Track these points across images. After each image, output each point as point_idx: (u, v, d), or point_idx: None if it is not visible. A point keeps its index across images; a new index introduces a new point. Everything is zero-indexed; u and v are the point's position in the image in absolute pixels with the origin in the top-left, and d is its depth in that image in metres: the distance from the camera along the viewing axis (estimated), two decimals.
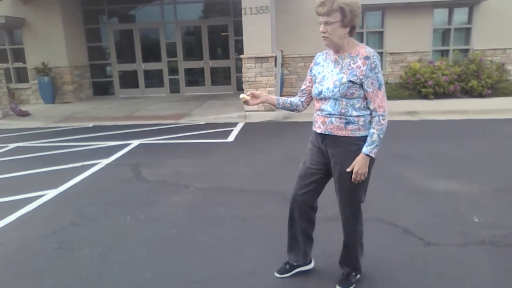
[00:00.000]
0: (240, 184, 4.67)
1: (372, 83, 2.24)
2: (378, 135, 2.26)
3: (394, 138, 6.60)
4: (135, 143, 6.84)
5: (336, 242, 2.72)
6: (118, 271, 2.90)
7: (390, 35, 11.77)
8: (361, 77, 2.23)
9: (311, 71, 2.50)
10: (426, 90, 9.89)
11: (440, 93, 9.88)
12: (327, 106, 2.33)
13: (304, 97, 2.58)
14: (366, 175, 2.34)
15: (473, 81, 9.83)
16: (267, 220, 3.62)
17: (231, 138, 7.05)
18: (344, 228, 2.53)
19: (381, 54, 11.99)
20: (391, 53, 11.86)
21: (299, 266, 2.72)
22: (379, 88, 2.25)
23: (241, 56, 9.21)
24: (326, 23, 2.21)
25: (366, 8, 11.59)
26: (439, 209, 3.72)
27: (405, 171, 4.84)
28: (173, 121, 8.74)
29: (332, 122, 2.32)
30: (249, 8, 8.82)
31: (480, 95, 9.85)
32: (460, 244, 3.06)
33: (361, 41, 11.91)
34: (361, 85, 2.25)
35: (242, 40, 9.29)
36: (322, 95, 2.34)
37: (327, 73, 2.36)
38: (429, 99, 9.86)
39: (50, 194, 4.49)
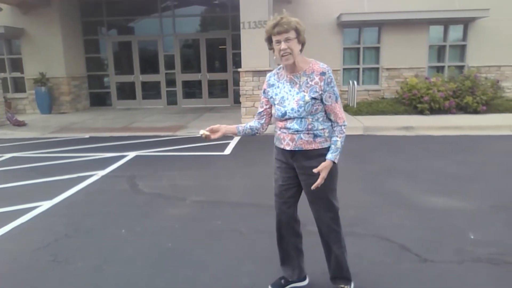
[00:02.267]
0: (237, 197, 4.66)
1: (329, 97, 2.35)
2: (341, 142, 2.40)
3: (391, 153, 6.64)
4: (131, 154, 6.83)
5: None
6: (112, 284, 2.86)
7: (387, 51, 11.91)
8: (320, 92, 2.33)
9: (265, 93, 2.54)
10: (421, 106, 9.97)
11: (436, 109, 9.97)
12: (293, 124, 2.38)
13: (264, 119, 2.62)
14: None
15: (468, 98, 9.93)
16: (264, 234, 3.60)
17: (227, 151, 7.05)
18: (328, 240, 2.55)
19: (377, 69, 12.13)
20: (387, 69, 11.98)
21: (294, 281, 2.71)
22: (336, 101, 2.38)
23: (239, 69, 9.27)
24: (287, 40, 2.27)
25: (363, 24, 11.77)
26: (435, 226, 3.72)
27: (402, 187, 4.85)
28: (170, 133, 8.74)
29: (301, 138, 2.38)
30: (248, 22, 8.92)
31: (475, 112, 9.95)
32: (457, 261, 3.05)
33: (358, 56, 12.07)
34: (321, 100, 2.35)
35: (240, 53, 9.37)
36: (287, 116, 2.39)
37: (285, 94, 2.41)
38: (425, 114, 9.93)
39: (45, 205, 4.46)
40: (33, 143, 8.19)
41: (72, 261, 3.21)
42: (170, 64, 13.38)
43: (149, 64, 13.56)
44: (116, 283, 2.88)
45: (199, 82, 13.45)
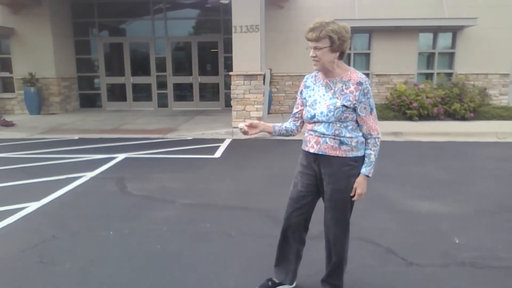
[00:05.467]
0: (226, 200, 4.67)
1: (365, 108, 2.32)
2: (375, 155, 2.39)
3: (379, 158, 6.67)
4: (121, 156, 6.80)
5: (318, 260, 2.74)
6: (100, 286, 2.85)
7: (377, 57, 12.04)
8: (354, 102, 2.29)
9: (301, 93, 2.52)
10: (410, 112, 10.10)
11: (424, 115, 10.11)
12: (320, 128, 2.36)
13: (298, 121, 2.60)
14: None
15: (456, 104, 10.09)
16: (252, 237, 3.62)
17: (218, 154, 7.06)
18: (333, 248, 2.52)
19: (367, 75, 12.23)
20: (378, 75, 12.10)
21: (281, 284, 2.72)
22: (371, 112, 2.34)
23: (230, 73, 9.30)
24: (315, 48, 2.26)
25: (354, 31, 11.80)
26: (421, 230, 3.77)
27: (389, 191, 4.90)
28: (160, 136, 8.72)
29: (326, 142, 2.34)
30: (239, 26, 8.96)
31: (463, 118, 10.11)
32: (441, 264, 3.10)
33: (349, 62, 12.16)
34: (354, 110, 2.32)
35: (231, 57, 9.38)
36: (315, 119, 2.37)
37: (318, 97, 2.39)
38: (414, 120, 10.07)
39: (32, 206, 4.42)
40: (21, 143, 8.11)
41: (59, 262, 3.19)
42: (161, 67, 13.35)
43: (140, 66, 13.52)
44: (103, 286, 2.87)
45: (190, 85, 13.45)
